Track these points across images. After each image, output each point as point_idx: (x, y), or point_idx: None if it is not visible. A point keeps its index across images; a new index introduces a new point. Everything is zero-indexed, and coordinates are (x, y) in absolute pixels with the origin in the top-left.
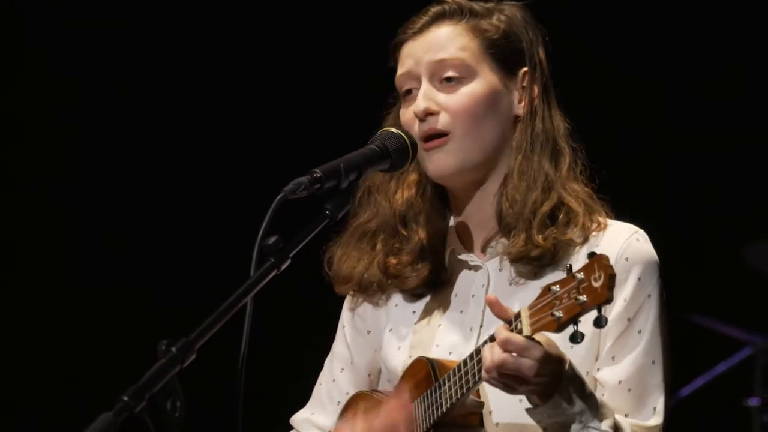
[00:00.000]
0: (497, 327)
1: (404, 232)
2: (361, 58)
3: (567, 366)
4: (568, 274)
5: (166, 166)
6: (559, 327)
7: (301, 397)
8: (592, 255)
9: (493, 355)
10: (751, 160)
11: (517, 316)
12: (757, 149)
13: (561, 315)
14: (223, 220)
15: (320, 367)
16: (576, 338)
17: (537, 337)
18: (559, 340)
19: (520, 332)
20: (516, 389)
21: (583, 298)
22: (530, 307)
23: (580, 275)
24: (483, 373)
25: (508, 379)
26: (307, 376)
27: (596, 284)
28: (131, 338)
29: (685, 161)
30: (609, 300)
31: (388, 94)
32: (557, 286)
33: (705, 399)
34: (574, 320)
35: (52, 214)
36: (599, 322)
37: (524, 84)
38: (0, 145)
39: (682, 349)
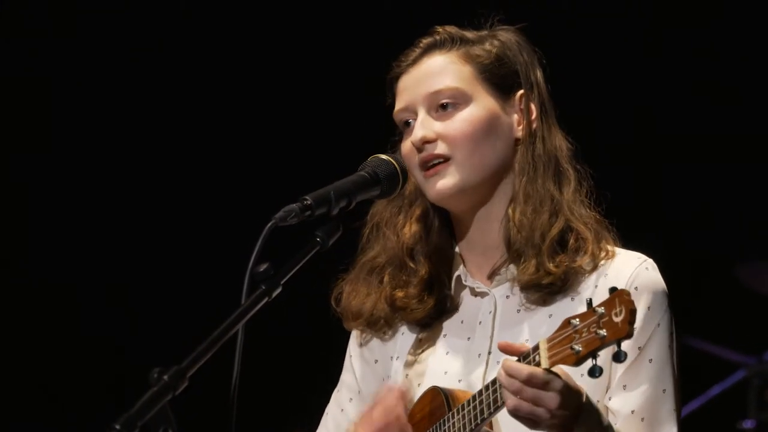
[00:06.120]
0: (515, 364)
1: (411, 265)
2: (350, 84)
3: (584, 398)
4: (588, 308)
5: (157, 194)
6: (578, 361)
7: (294, 423)
8: (613, 290)
9: (512, 386)
10: (742, 179)
11: (536, 348)
12: (749, 167)
13: (581, 349)
14: (213, 247)
15: (314, 392)
16: (594, 372)
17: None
18: (570, 370)
19: (538, 365)
20: (539, 423)
21: (604, 332)
22: (549, 340)
23: (601, 309)
24: (508, 407)
25: (531, 412)
26: (302, 402)
27: (617, 319)
28: (120, 367)
29: (677, 180)
30: (630, 335)
31: (377, 120)
32: (577, 319)
33: (700, 421)
34: (593, 354)
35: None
36: (618, 357)
37: (522, 106)
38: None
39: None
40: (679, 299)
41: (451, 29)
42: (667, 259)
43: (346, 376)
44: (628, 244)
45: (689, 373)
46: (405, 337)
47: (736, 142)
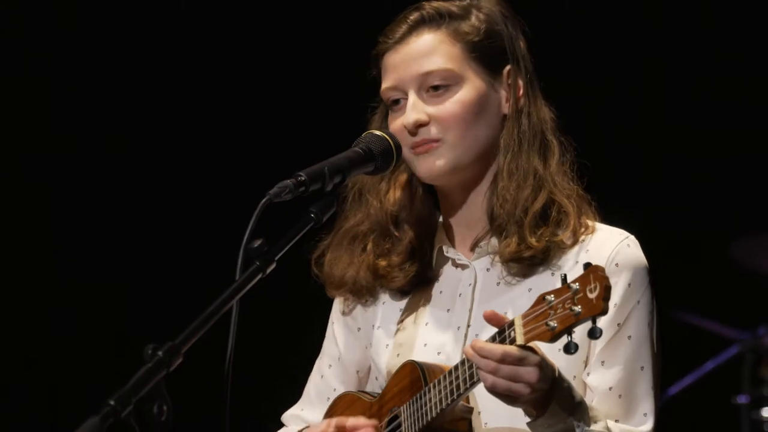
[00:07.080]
0: (486, 344)
1: (396, 233)
2: (343, 61)
3: (557, 373)
4: (562, 284)
5: (151, 171)
6: (554, 337)
7: (288, 397)
8: (587, 266)
9: (487, 366)
10: (737, 158)
11: (510, 324)
12: (743, 147)
13: (556, 325)
14: (208, 223)
15: (309, 367)
16: (570, 348)
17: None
18: (544, 346)
19: (513, 341)
20: (518, 398)
21: (578, 308)
22: (524, 316)
23: (576, 285)
24: (486, 385)
25: (508, 389)
26: (295, 376)
27: (591, 295)
28: (115, 343)
29: (671, 159)
30: (604, 312)
31: (372, 98)
32: (552, 295)
33: (694, 397)
34: (569, 331)
35: (36, 217)
36: (593, 333)
37: (509, 81)
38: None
39: (671, 347)
40: (674, 275)
41: (437, 4)
42: (662, 235)
43: (327, 344)
44: (625, 219)
45: (683, 349)
46: (386, 306)
47: (733, 122)
